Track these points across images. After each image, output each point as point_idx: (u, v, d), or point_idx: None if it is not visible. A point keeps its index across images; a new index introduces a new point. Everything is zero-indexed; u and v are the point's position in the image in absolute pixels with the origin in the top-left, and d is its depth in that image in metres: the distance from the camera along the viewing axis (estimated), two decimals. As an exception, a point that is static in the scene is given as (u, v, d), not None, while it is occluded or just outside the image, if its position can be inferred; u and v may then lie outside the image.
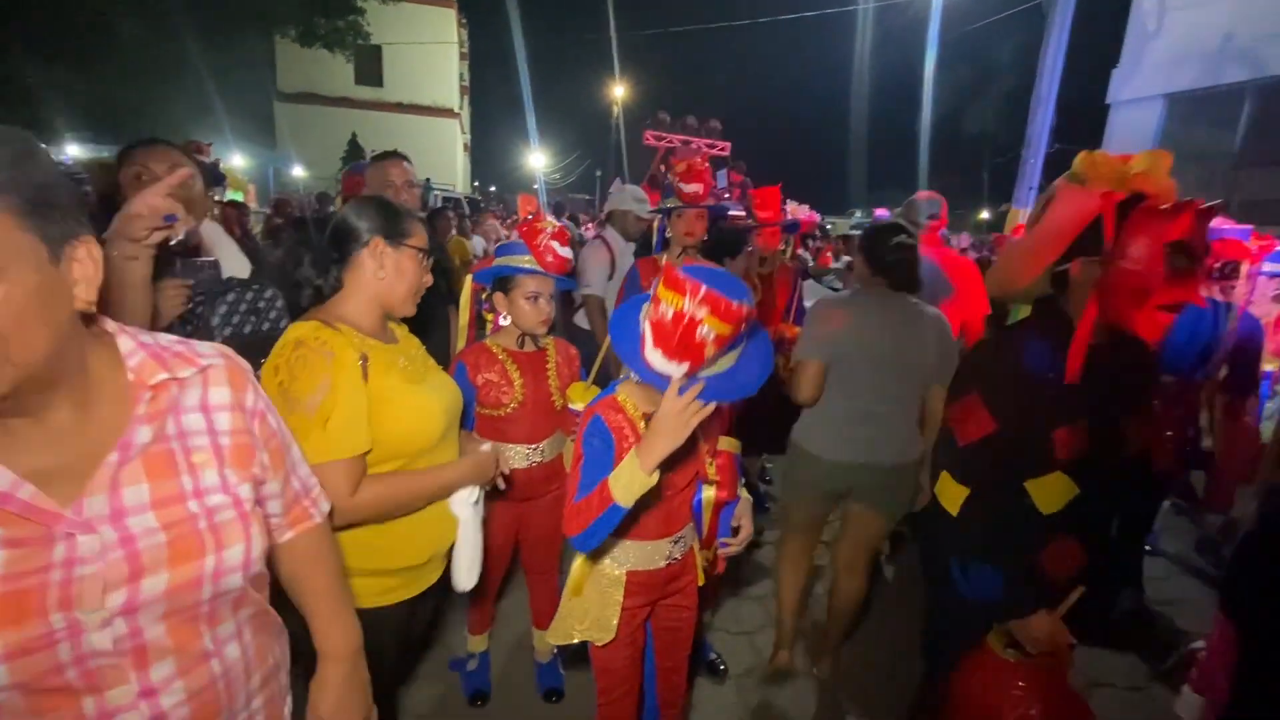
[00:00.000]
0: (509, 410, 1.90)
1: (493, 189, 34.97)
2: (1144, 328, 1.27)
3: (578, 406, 1.85)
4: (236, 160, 13.28)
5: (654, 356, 1.17)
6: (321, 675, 1.05)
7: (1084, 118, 10.15)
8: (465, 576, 1.47)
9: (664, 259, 2.74)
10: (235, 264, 1.79)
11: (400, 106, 23.20)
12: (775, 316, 3.52)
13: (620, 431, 1.35)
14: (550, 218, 1.91)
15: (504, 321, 1.94)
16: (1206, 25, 7.85)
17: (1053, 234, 1.37)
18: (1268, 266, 3.01)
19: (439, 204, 14.39)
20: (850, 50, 26.97)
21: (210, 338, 1.61)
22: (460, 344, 2.09)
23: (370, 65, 21.80)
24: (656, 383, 1.19)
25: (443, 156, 23.90)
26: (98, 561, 0.70)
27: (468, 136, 29.87)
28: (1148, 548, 3.24)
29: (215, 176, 4.87)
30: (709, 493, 1.49)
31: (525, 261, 1.85)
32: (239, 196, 10.97)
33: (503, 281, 1.90)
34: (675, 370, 1.16)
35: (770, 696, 2.38)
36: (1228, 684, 1.44)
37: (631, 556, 1.47)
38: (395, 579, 1.36)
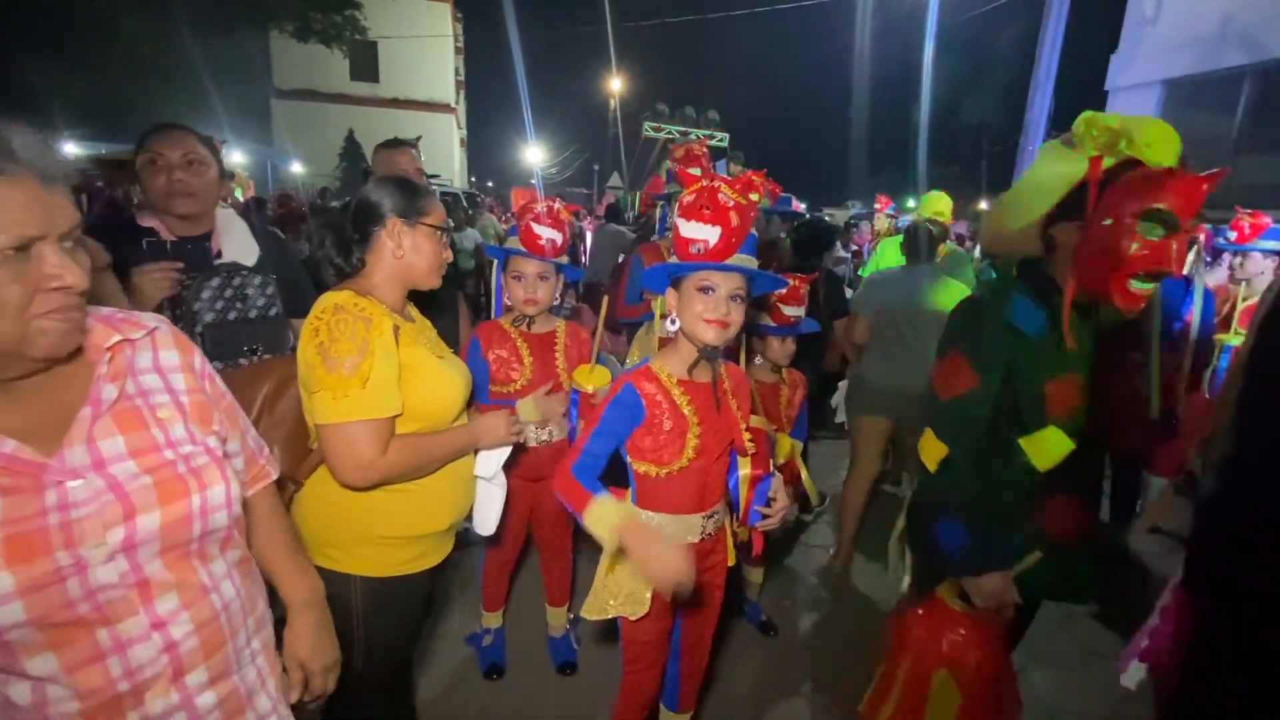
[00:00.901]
0: (517, 387, 1.95)
1: (490, 183, 34.88)
2: (1119, 296, 1.25)
3: (585, 388, 1.89)
4: (235, 157, 13.25)
5: (689, 229, 1.30)
6: (294, 623, 1.10)
7: (1082, 104, 10.10)
8: (488, 521, 1.55)
9: (664, 242, 2.78)
10: (244, 250, 1.82)
11: (396, 102, 23.15)
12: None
13: (653, 400, 1.39)
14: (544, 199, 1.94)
15: (507, 300, 1.98)
16: (1205, 9, 7.84)
17: (1028, 191, 1.40)
18: (1266, 244, 3.05)
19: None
20: (848, 40, 26.86)
21: (192, 323, 1.65)
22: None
23: (366, 61, 21.78)
24: (684, 270, 1.33)
25: (439, 151, 23.83)
26: (92, 504, 0.75)
27: (464, 131, 29.81)
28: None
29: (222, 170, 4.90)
30: (744, 469, 1.51)
31: (514, 242, 1.91)
32: (239, 193, 10.96)
33: (506, 262, 1.96)
34: (711, 233, 1.28)
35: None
36: (1177, 655, 1.39)
37: (666, 530, 1.47)
38: (419, 546, 1.40)
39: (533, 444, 1.98)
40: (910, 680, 1.52)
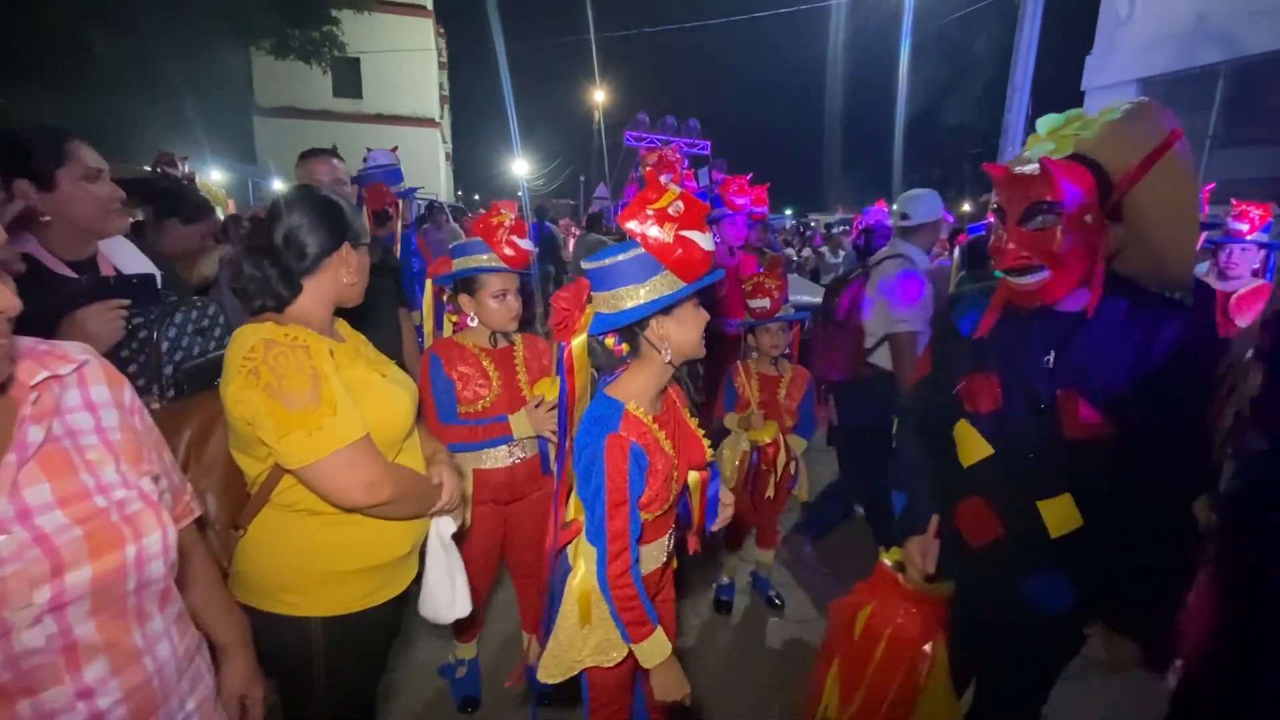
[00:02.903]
0: (486, 404, 1.86)
1: (476, 196, 34.86)
2: (1004, 291, 1.32)
3: (549, 399, 1.81)
4: (215, 175, 13.12)
5: (704, 240, 1.17)
6: (231, 663, 1.07)
7: (1059, 105, 10.19)
8: (456, 603, 1.41)
9: None
10: (143, 264, 1.68)
11: (380, 118, 23.04)
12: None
13: (651, 446, 1.26)
14: (506, 211, 1.86)
15: (471, 323, 1.89)
16: (1179, 8, 7.93)
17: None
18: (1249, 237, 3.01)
19: (421, 212, 14.37)
20: (826, 46, 27.13)
21: (160, 364, 1.49)
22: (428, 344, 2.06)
23: (349, 77, 21.72)
24: (690, 287, 1.19)
25: (425, 166, 23.73)
26: (16, 561, 0.67)
27: (449, 145, 29.77)
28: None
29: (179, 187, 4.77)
30: (693, 475, 1.43)
31: (485, 260, 1.80)
32: (220, 211, 10.83)
33: (466, 283, 1.84)
34: (710, 243, 1.19)
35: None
36: (1201, 646, 1.44)
37: (643, 564, 1.37)
38: (380, 576, 1.32)
39: (505, 464, 1.89)
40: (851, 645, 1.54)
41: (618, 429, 1.22)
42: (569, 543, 1.40)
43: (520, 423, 1.80)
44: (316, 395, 1.10)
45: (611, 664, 1.36)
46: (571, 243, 7.92)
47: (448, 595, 1.39)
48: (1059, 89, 9.99)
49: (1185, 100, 8.17)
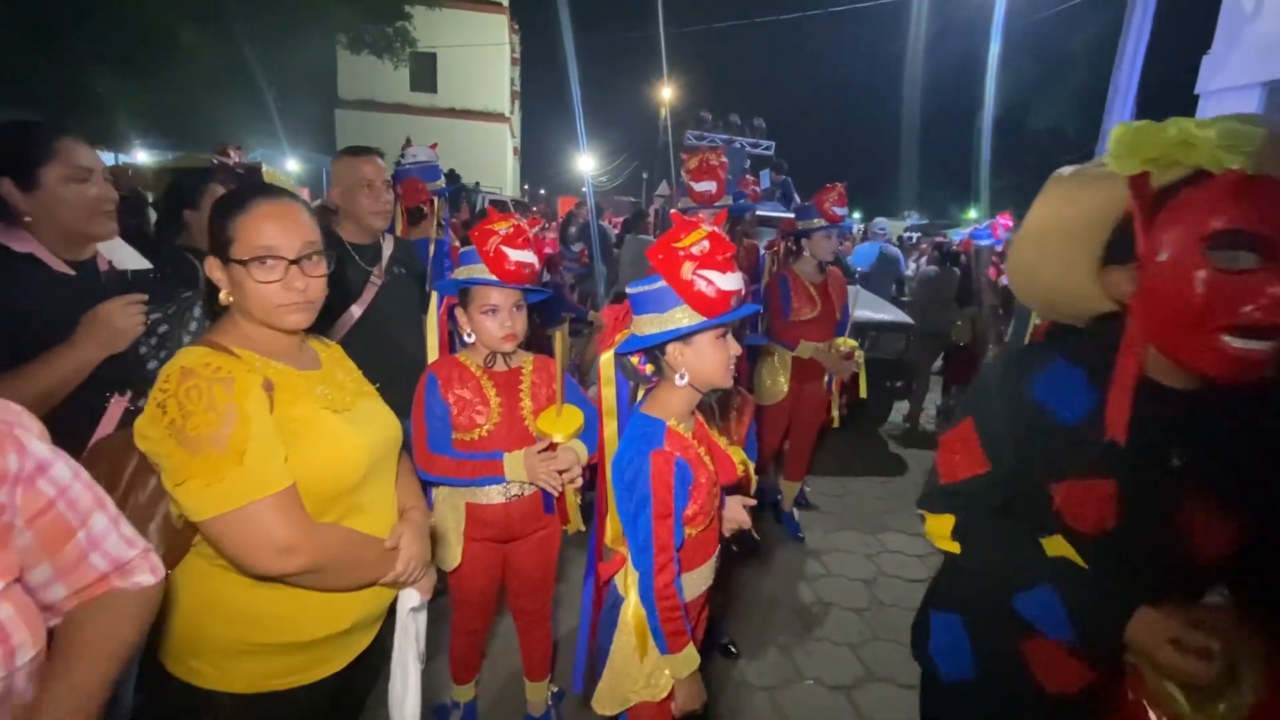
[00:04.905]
0: (484, 433, 1.67)
1: (542, 191, 35.25)
2: (1210, 361, 0.85)
3: (553, 438, 1.61)
4: (291, 165, 13.66)
5: (726, 281, 1.21)
6: None
7: (1169, 110, 9.25)
8: (397, 703, 1.20)
9: None
10: (136, 260, 1.61)
11: (453, 112, 23.58)
12: (832, 331, 3.21)
13: (695, 463, 1.31)
14: (517, 218, 1.66)
15: (469, 339, 1.71)
16: (1316, 3, 7.03)
17: (1050, 236, 1.01)
18: None
19: (485, 206, 14.57)
20: (905, 42, 25.91)
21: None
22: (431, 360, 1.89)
23: (425, 72, 22.28)
24: (707, 322, 1.23)
25: (492, 160, 24.18)
26: None
27: (518, 140, 30.19)
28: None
29: (237, 178, 4.84)
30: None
31: (479, 271, 1.62)
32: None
33: (463, 294, 1.67)
34: (737, 283, 1.22)
35: None
36: None
37: (686, 592, 1.37)
38: (307, 654, 1.13)
39: (500, 502, 1.71)
40: None
41: (662, 444, 1.28)
42: (614, 574, 1.44)
43: (515, 465, 1.60)
44: (223, 440, 0.94)
45: (657, 698, 1.37)
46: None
47: (399, 689, 1.19)
48: (1168, 92, 9.09)
49: (1320, 107, 7.25)
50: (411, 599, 1.19)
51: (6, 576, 0.68)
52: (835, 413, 3.29)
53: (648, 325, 1.27)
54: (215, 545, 1.00)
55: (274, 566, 0.98)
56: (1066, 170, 1.01)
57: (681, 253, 1.20)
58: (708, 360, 1.29)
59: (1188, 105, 8.69)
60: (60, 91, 9.09)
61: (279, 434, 1.02)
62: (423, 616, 1.24)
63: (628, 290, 1.31)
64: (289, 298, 1.06)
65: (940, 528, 1.13)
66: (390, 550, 1.13)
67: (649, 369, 1.37)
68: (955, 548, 1.11)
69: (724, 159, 2.41)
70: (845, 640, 2.67)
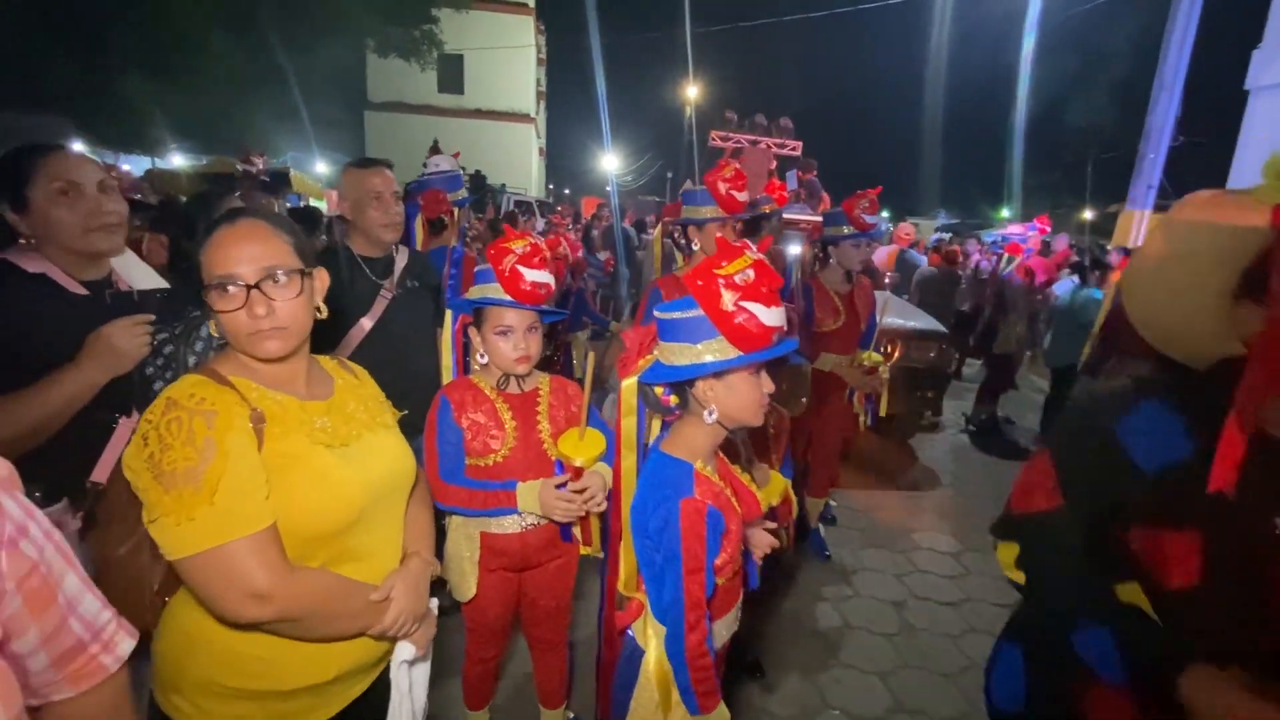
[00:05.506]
0: (498, 459, 1.61)
1: (566, 191, 35.33)
2: None
3: (573, 463, 1.54)
4: (320, 167, 13.85)
5: (769, 316, 1.11)
6: None
7: (1215, 106, 8.92)
8: None
9: (683, 274, 2.42)
10: (150, 278, 1.59)
11: (479, 113, 23.77)
12: (856, 344, 3.10)
13: (726, 510, 1.22)
14: (537, 235, 1.60)
15: (481, 360, 1.64)
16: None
17: (1176, 263, 0.93)
18: None
19: (511, 207, 14.63)
20: (936, 37, 25.36)
21: None
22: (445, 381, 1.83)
23: (453, 74, 22.49)
24: (744, 358, 1.13)
25: (518, 160, 24.32)
26: None
27: (543, 140, 30.29)
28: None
29: (263, 185, 4.88)
30: None
31: (493, 290, 1.55)
32: (322, 204, 11.42)
33: (477, 314, 1.61)
34: (780, 318, 1.13)
35: None
36: None
37: (714, 640, 1.28)
38: (289, 703, 1.07)
39: (516, 531, 1.64)
40: None
41: (692, 492, 1.18)
42: (630, 624, 1.36)
43: (528, 497, 1.53)
44: (197, 477, 0.90)
45: None
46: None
47: None
48: (1215, 88, 8.73)
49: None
50: (405, 652, 1.13)
51: None
52: (862, 418, 3.17)
53: (677, 355, 1.17)
54: (189, 586, 0.96)
55: (246, 613, 0.93)
56: (1203, 194, 0.93)
57: (723, 280, 1.10)
58: (741, 397, 1.20)
59: (1236, 102, 8.33)
60: (97, 97, 9.35)
61: (265, 470, 0.98)
62: (422, 670, 1.18)
63: (656, 313, 1.21)
64: (254, 325, 1.00)
65: (1007, 556, 1.10)
66: (378, 603, 1.07)
67: (673, 400, 1.27)
68: (1019, 577, 1.08)
69: (741, 165, 2.33)
70: (874, 668, 2.57)
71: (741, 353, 1.12)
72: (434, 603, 1.21)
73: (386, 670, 1.16)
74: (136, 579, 1.05)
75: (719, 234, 2.25)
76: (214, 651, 1.01)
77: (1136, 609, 0.93)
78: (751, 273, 1.10)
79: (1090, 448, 0.98)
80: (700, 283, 1.13)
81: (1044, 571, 1.04)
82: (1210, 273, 0.89)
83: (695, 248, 2.37)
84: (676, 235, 2.74)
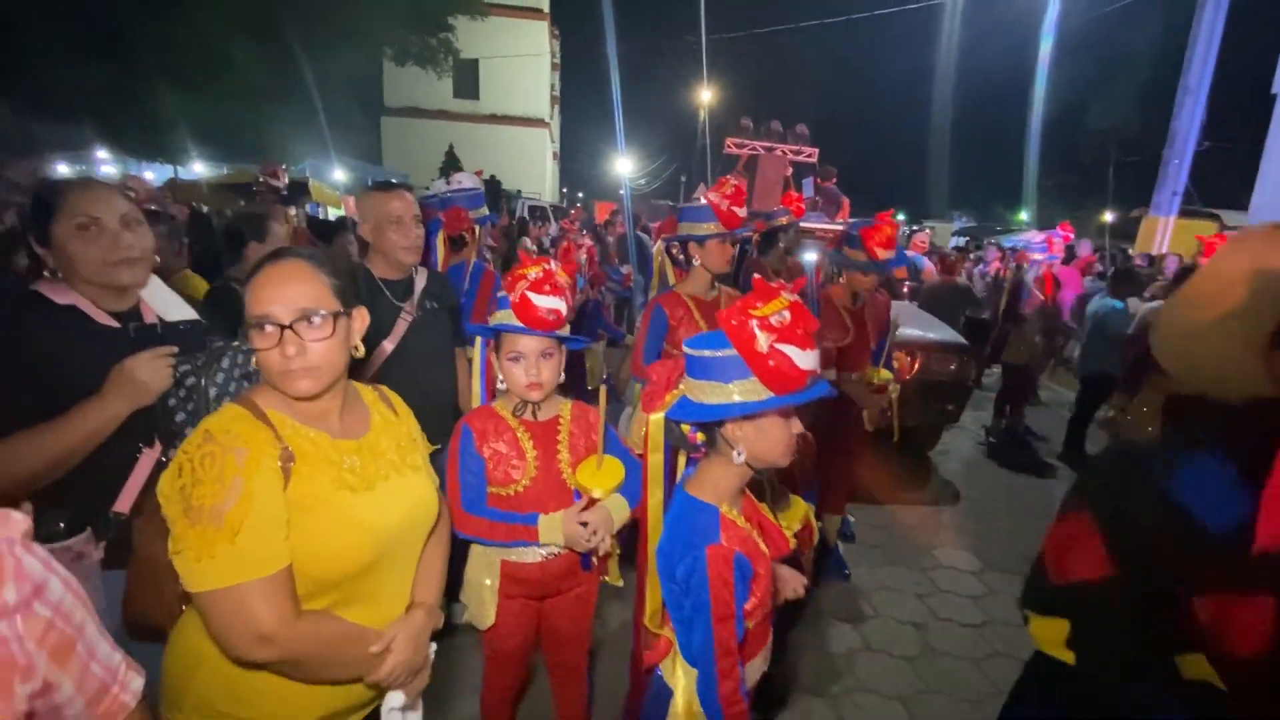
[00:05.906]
0: (519, 489, 1.60)
1: (580, 195, 35.47)
2: None
3: (591, 493, 1.52)
4: (338, 174, 13.97)
5: (804, 359, 1.09)
6: None
7: (1242, 110, 8.73)
8: None
9: (685, 289, 2.45)
10: (178, 306, 1.60)
11: (494, 118, 23.97)
12: (865, 360, 3.06)
13: (754, 556, 1.19)
14: (555, 263, 1.59)
15: (502, 385, 1.64)
16: None
17: (1204, 291, 0.90)
18: None
19: (524, 212, 14.68)
20: (952, 42, 25.17)
21: (208, 411, 1.37)
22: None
23: (468, 79, 22.68)
24: (777, 400, 1.10)
25: (532, 165, 24.48)
26: None
27: (557, 145, 30.45)
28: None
29: (282, 198, 4.93)
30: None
31: (507, 316, 1.55)
32: (340, 211, 11.50)
33: (496, 339, 1.62)
34: (815, 362, 1.10)
35: None
36: None
37: (749, 680, 1.28)
38: None
39: (537, 560, 1.63)
40: None
41: (719, 539, 1.16)
42: (659, 661, 1.34)
43: (550, 529, 1.53)
44: (220, 515, 0.93)
45: None
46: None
47: None
48: (1242, 92, 8.55)
49: None
50: (395, 699, 1.13)
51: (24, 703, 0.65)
52: (868, 427, 3.09)
53: (706, 393, 1.15)
54: (201, 618, 0.99)
55: (249, 653, 0.96)
56: (1259, 227, 0.89)
57: (758, 321, 1.08)
58: (771, 439, 1.18)
59: (1264, 107, 8.17)
60: (123, 107, 9.52)
61: (288, 509, 0.99)
62: (414, 718, 1.18)
63: (685, 349, 1.20)
64: (285, 364, 1.01)
65: (1051, 633, 1.02)
66: (375, 654, 1.08)
67: (700, 437, 1.26)
68: (1069, 657, 1.01)
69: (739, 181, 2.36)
70: (895, 692, 2.53)
71: (774, 394, 1.10)
72: (433, 648, 1.22)
73: (376, 713, 1.17)
74: (174, 584, 1.07)
75: (719, 249, 2.34)
76: (216, 676, 1.03)
77: (1208, 688, 0.88)
78: (788, 314, 1.09)
79: (1143, 509, 0.91)
80: (735, 322, 1.11)
81: (1105, 649, 0.98)
82: (1254, 311, 0.85)
83: (695, 263, 2.40)
84: (675, 251, 2.74)
